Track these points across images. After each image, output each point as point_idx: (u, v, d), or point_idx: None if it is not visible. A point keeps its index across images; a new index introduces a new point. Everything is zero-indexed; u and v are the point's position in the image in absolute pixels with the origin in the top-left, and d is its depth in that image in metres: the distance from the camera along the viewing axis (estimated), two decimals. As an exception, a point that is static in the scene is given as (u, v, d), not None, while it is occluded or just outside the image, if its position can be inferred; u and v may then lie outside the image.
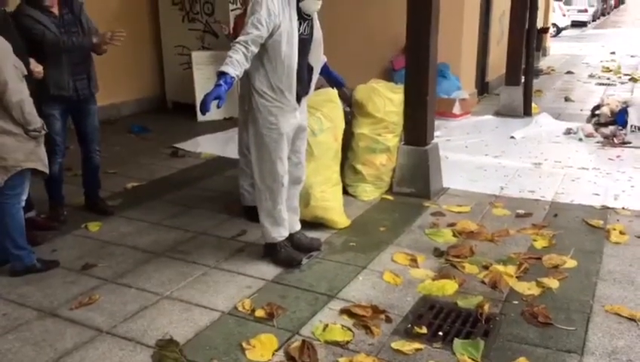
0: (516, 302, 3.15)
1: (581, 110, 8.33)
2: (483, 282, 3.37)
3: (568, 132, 6.90)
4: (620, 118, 6.70)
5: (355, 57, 8.18)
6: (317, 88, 4.19)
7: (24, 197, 3.50)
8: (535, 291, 3.25)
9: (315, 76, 3.55)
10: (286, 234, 3.62)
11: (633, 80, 11.25)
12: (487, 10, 9.44)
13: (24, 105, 3.24)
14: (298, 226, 3.79)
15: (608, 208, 4.52)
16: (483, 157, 5.98)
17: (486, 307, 3.06)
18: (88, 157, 4.38)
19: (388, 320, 2.98)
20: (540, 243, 3.88)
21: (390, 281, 3.38)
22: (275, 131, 3.35)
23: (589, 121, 7.26)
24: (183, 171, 5.62)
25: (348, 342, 2.79)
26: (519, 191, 4.94)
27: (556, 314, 3.01)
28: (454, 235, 4.02)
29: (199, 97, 7.15)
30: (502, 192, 4.94)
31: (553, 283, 3.33)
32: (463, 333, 2.86)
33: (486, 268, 3.52)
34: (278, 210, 3.52)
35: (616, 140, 6.45)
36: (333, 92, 4.10)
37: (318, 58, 3.51)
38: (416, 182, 4.78)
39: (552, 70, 12.96)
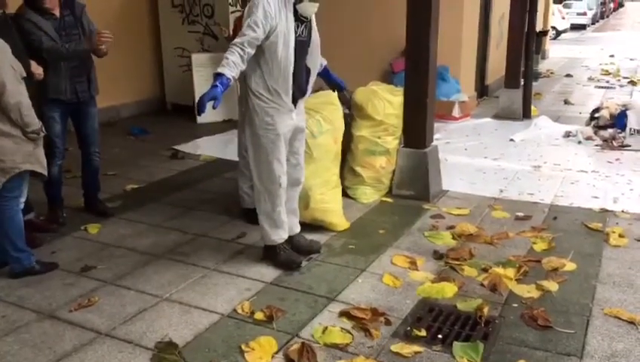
0: (516, 305, 3.15)
1: (580, 113, 8.34)
2: (482, 285, 3.37)
3: (567, 135, 6.91)
4: (619, 121, 6.71)
5: (354, 60, 8.19)
6: (316, 90, 4.21)
7: (23, 199, 3.50)
8: (534, 294, 3.25)
9: (313, 78, 3.55)
10: (285, 236, 3.61)
11: (632, 83, 11.26)
12: (486, 13, 9.46)
13: (22, 107, 3.23)
14: (298, 228, 3.79)
15: (607, 211, 4.52)
16: (482, 160, 5.98)
17: (485, 310, 3.06)
18: (88, 160, 4.38)
19: (387, 322, 2.98)
20: (539, 246, 3.88)
21: (389, 284, 3.38)
22: (271, 132, 3.36)
23: (588, 124, 7.28)
24: (183, 173, 5.62)
25: (347, 345, 2.79)
26: (518, 194, 4.95)
27: (556, 317, 3.01)
28: (454, 238, 4.02)
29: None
30: (501, 195, 4.94)
31: (553, 286, 3.33)
32: (463, 336, 2.86)
33: (485, 270, 3.52)
34: (277, 212, 3.52)
35: (615, 143, 6.45)
36: (333, 94, 4.11)
37: (315, 60, 3.52)
38: (415, 184, 4.78)
39: (552, 73, 12.97)
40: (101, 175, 4.56)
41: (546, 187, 5.12)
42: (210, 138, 6.87)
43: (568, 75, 12.62)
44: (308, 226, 3.99)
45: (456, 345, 2.75)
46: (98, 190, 4.53)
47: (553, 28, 20.75)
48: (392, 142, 4.81)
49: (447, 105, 7.74)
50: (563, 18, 23.91)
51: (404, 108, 4.79)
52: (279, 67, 3.26)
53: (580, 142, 6.64)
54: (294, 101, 3.41)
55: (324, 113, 4.01)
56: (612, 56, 15.76)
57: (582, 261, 3.66)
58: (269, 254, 3.62)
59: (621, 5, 50.83)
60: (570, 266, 3.58)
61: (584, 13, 29.17)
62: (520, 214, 4.46)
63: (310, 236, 3.89)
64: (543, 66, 13.57)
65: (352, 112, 4.74)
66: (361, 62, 8.15)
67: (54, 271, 3.53)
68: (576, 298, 3.22)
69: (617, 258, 3.73)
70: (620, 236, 4.03)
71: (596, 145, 6.51)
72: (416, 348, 2.75)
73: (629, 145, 6.36)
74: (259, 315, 3.03)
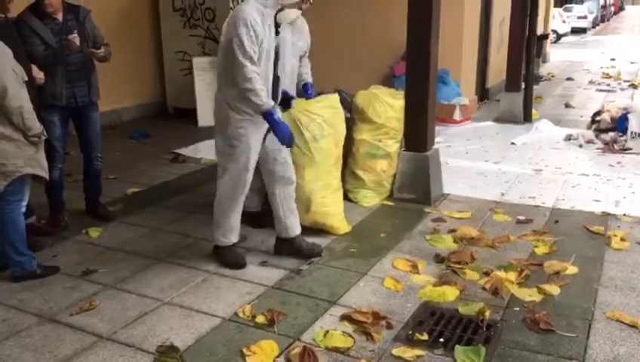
0: (517, 309, 3.14)
1: (581, 116, 8.34)
2: (484, 288, 3.36)
3: (569, 138, 6.91)
4: (620, 124, 6.71)
5: (355, 64, 8.21)
6: (319, 93, 4.22)
7: (24, 203, 3.50)
8: (536, 297, 3.25)
9: (282, 86, 3.56)
10: (235, 240, 3.70)
11: (633, 86, 11.26)
12: (487, 17, 9.47)
13: (24, 111, 3.24)
14: (298, 230, 3.80)
15: (609, 214, 4.52)
16: (483, 164, 5.98)
17: (487, 313, 3.05)
18: (89, 164, 4.38)
19: (389, 326, 2.97)
20: (540, 250, 3.87)
21: (391, 287, 3.38)
22: (244, 143, 3.41)
23: (589, 127, 7.28)
24: (184, 177, 5.63)
25: (349, 349, 2.79)
26: (520, 198, 4.94)
27: (557, 320, 3.01)
28: (455, 241, 4.02)
29: (200, 103, 7.12)
30: (502, 198, 4.94)
31: (554, 289, 3.32)
32: (464, 340, 2.85)
33: (487, 274, 3.51)
34: (232, 216, 3.63)
35: (616, 147, 6.45)
36: (335, 97, 4.12)
37: (283, 68, 3.53)
38: (416, 188, 4.77)
39: (552, 76, 12.98)
40: (102, 179, 4.56)
41: (547, 190, 5.12)
42: (211, 142, 6.75)
43: (569, 79, 12.62)
44: (309, 229, 3.99)
45: (458, 349, 2.75)
46: (99, 194, 4.53)
47: (554, 31, 20.77)
48: (393, 145, 4.81)
49: (448, 109, 7.74)
50: (563, 22, 23.93)
51: (405, 111, 4.79)
52: (268, 72, 3.34)
53: (581, 146, 6.64)
54: None
55: (325, 117, 4.02)
56: (613, 59, 15.76)
57: (583, 264, 3.65)
58: (217, 253, 3.70)
59: (622, 9, 50.88)
60: (571, 270, 3.57)
61: (585, 17, 29.17)
62: (521, 218, 4.45)
63: (311, 239, 3.88)
64: (543, 70, 13.59)
65: (354, 116, 4.75)
66: (362, 66, 8.17)
67: (55, 274, 3.53)
68: (578, 301, 3.22)
69: (619, 261, 3.72)
70: (622, 239, 4.02)
71: (597, 149, 6.51)
72: (417, 351, 2.75)
73: (631, 149, 6.36)
74: (260, 319, 3.02)
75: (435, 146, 5.01)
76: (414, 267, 3.62)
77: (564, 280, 3.44)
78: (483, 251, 3.87)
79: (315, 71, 4.40)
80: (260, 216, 4.20)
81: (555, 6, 19.91)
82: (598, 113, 7.30)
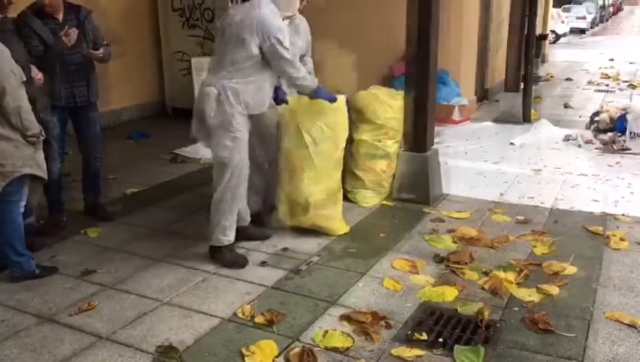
0: (516, 309, 3.15)
1: (580, 117, 8.34)
2: (483, 288, 3.36)
3: (567, 138, 6.91)
4: (619, 124, 6.70)
5: (354, 64, 8.20)
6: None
7: (23, 203, 3.49)
8: (535, 297, 3.25)
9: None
10: (233, 238, 3.71)
11: (632, 87, 11.27)
12: (486, 17, 9.47)
13: (22, 111, 3.24)
14: (249, 218, 3.97)
15: (608, 215, 4.52)
16: (483, 164, 5.98)
17: (486, 313, 3.05)
18: (88, 164, 4.38)
19: (388, 326, 2.97)
20: (539, 250, 3.87)
21: (390, 287, 3.38)
22: (244, 133, 3.54)
23: (588, 127, 7.27)
24: (183, 177, 5.62)
25: (348, 349, 2.79)
26: (519, 198, 4.94)
27: (557, 320, 3.01)
28: (454, 241, 4.02)
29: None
30: (501, 198, 4.94)
31: (553, 289, 3.33)
32: (464, 340, 2.85)
33: (486, 274, 3.52)
34: (234, 214, 3.67)
35: (615, 147, 6.45)
36: (341, 98, 4.11)
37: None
38: (416, 188, 4.77)
39: (551, 77, 12.98)
40: (101, 179, 4.56)
41: (546, 190, 5.12)
42: (210, 142, 6.85)
43: (568, 79, 12.63)
44: (307, 230, 3.99)
45: (457, 349, 2.75)
46: (99, 194, 4.52)
47: (553, 32, 20.79)
48: (393, 145, 4.81)
49: (448, 109, 7.74)
50: (562, 22, 23.96)
51: (404, 112, 4.79)
52: (274, 78, 3.60)
53: (580, 146, 6.64)
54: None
55: (327, 119, 4.01)
56: (612, 60, 15.78)
57: (583, 264, 3.65)
58: (216, 254, 3.69)
59: (620, 9, 50.92)
60: (570, 270, 3.58)
61: (583, 17, 29.22)
62: (520, 218, 4.46)
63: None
64: (542, 70, 13.59)
65: (352, 116, 4.73)
66: (361, 66, 8.16)
67: (54, 275, 3.53)
68: (577, 301, 3.22)
69: (618, 261, 3.73)
70: (621, 239, 4.02)
71: (596, 149, 6.51)
72: (417, 351, 2.75)
73: (629, 149, 6.36)
74: (259, 319, 3.02)
75: (435, 146, 5.01)
76: (413, 267, 3.62)
77: (563, 280, 3.44)
78: (482, 251, 3.87)
79: (315, 71, 4.40)
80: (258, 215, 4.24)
81: (553, 6, 19.92)
82: (597, 113, 7.29)
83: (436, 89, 5.17)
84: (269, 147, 3.99)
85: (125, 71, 7.77)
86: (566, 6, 29.04)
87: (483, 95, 9.68)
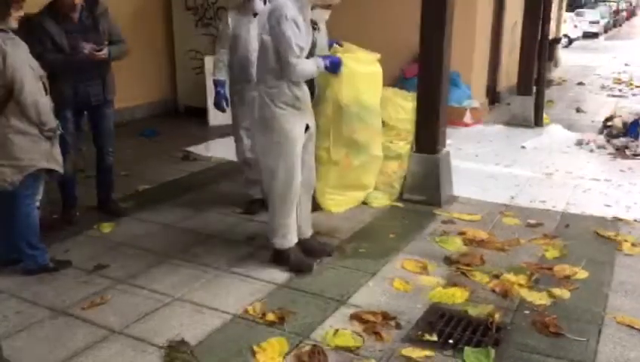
0: (527, 312, 3.14)
1: (592, 121, 8.30)
2: (493, 291, 3.36)
3: (579, 143, 6.88)
4: (631, 129, 6.68)
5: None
6: None
7: (39, 197, 3.53)
8: (546, 301, 3.24)
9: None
10: (295, 240, 3.63)
11: (645, 92, 11.20)
12: (499, 20, 9.44)
13: (39, 106, 3.27)
14: (311, 231, 3.81)
15: (620, 219, 4.50)
16: (494, 167, 5.97)
17: (497, 316, 3.05)
18: (101, 158, 4.41)
19: (398, 326, 2.98)
20: (551, 254, 3.87)
21: (400, 288, 3.39)
22: (291, 136, 3.41)
23: (600, 132, 7.25)
24: (194, 174, 5.65)
25: (358, 348, 2.80)
26: (530, 201, 4.93)
27: (567, 324, 3.00)
28: (465, 244, 4.02)
29: (211, 103, 7.15)
30: (512, 202, 4.93)
31: (564, 293, 3.32)
32: (474, 342, 2.85)
33: (496, 277, 3.51)
34: (292, 216, 3.56)
35: (627, 152, 6.42)
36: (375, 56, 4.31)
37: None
38: (426, 189, 4.77)
39: (564, 81, 12.92)
40: (114, 175, 4.59)
41: (557, 194, 5.10)
42: (221, 140, 6.86)
43: (580, 83, 12.56)
44: (317, 232, 4.02)
45: (467, 351, 2.75)
46: (112, 189, 4.56)
47: (565, 36, 20.68)
48: (404, 147, 4.81)
49: (459, 111, 7.72)
50: (575, 26, 23.82)
51: (416, 113, 4.79)
52: None
53: (592, 151, 6.61)
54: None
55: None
56: (627, 65, 15.63)
57: (594, 269, 3.64)
58: (280, 258, 3.63)
59: (634, 15, 50.56)
60: (582, 274, 3.57)
61: (597, 22, 29.05)
62: (531, 221, 4.45)
63: (321, 240, 3.90)
64: (555, 74, 13.52)
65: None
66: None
67: (68, 268, 3.57)
68: (587, 306, 3.21)
69: (630, 266, 3.71)
70: (633, 244, 4.01)
71: (609, 154, 6.48)
72: (426, 352, 2.75)
73: (642, 154, 6.33)
74: (270, 316, 3.04)
75: (446, 148, 5.01)
76: (424, 268, 3.63)
77: (574, 284, 3.44)
78: (492, 254, 3.87)
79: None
80: (255, 202, 4.44)
81: (566, 11, 19.82)
82: (609, 118, 7.27)
83: (448, 91, 5.17)
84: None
85: (138, 69, 7.81)
86: (579, 10, 28.88)
87: (494, 98, 9.65)
